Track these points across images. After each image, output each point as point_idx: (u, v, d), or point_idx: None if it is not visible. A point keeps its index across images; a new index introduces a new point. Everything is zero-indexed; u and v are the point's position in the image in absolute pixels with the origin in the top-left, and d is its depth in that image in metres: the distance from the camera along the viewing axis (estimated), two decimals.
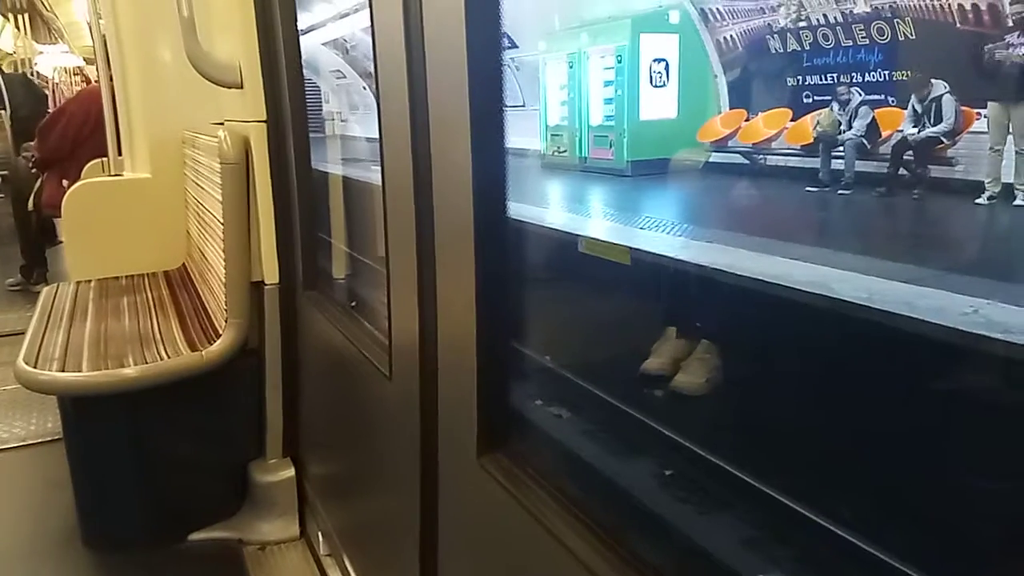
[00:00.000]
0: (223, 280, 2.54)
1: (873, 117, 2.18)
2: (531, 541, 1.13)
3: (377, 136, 1.63)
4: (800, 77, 2.35)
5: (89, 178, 3.87)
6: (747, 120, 2.63)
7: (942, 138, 1.88)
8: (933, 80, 1.90)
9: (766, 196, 2.57)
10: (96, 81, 5.59)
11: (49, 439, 3.43)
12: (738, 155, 2.58)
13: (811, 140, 2.31)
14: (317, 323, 2.36)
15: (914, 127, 1.95)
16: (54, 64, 15.34)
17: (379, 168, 1.64)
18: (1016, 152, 1.66)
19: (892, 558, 1.25)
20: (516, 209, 1.31)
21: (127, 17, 3.33)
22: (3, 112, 7.86)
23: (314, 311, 2.38)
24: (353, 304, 2.51)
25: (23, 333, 2.80)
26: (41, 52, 14.82)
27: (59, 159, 5.29)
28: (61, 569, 2.61)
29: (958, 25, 1.82)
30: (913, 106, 1.94)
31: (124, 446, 2.60)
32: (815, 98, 2.30)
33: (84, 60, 14.06)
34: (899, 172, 2.02)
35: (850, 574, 1.35)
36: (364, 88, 4.42)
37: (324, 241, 2.72)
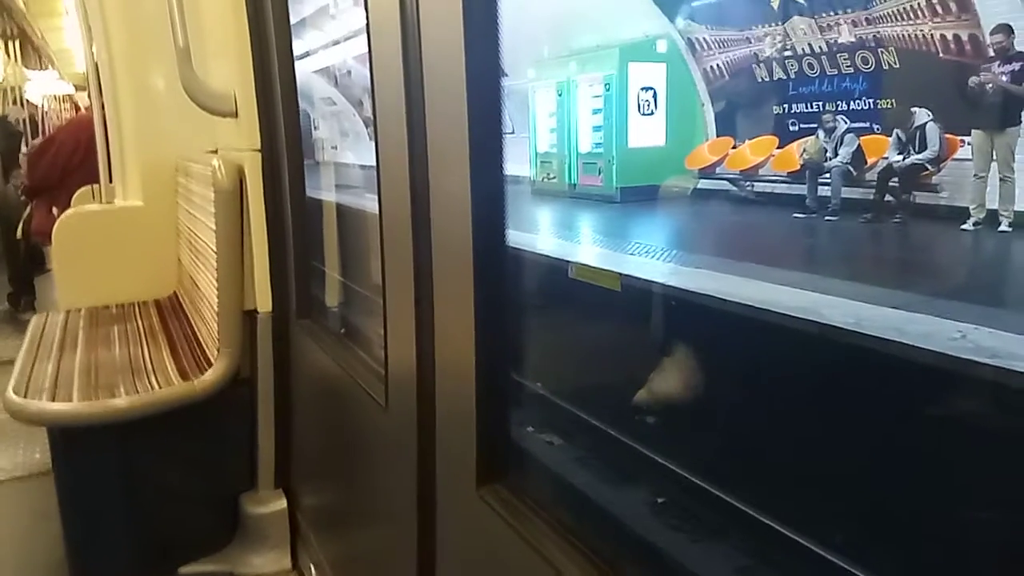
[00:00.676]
0: (215, 309, 2.53)
1: (858, 144, 2.22)
2: (532, 574, 1.12)
3: (373, 163, 1.62)
4: (786, 105, 2.39)
5: (79, 206, 3.85)
6: (734, 148, 2.67)
7: (927, 165, 1.91)
8: (917, 108, 1.94)
9: (754, 222, 2.60)
10: (87, 108, 5.59)
11: (37, 472, 3.38)
12: (726, 182, 2.62)
13: (797, 167, 2.35)
14: (311, 352, 2.34)
15: (899, 154, 1.98)
16: (44, 91, 15.34)
17: (373, 195, 1.63)
18: (1000, 179, 1.69)
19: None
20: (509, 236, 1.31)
21: (120, 44, 3.33)
22: None
23: (308, 340, 2.36)
24: (344, 331, 2.50)
25: (11, 362, 2.76)
26: (30, 79, 14.83)
27: (49, 187, 5.27)
28: None
29: (940, 55, 1.86)
30: (898, 134, 1.97)
31: (114, 477, 2.56)
32: (801, 126, 2.34)
33: (75, 87, 14.08)
34: (885, 199, 2.05)
35: None
36: (354, 115, 4.43)
37: (318, 270, 2.71)
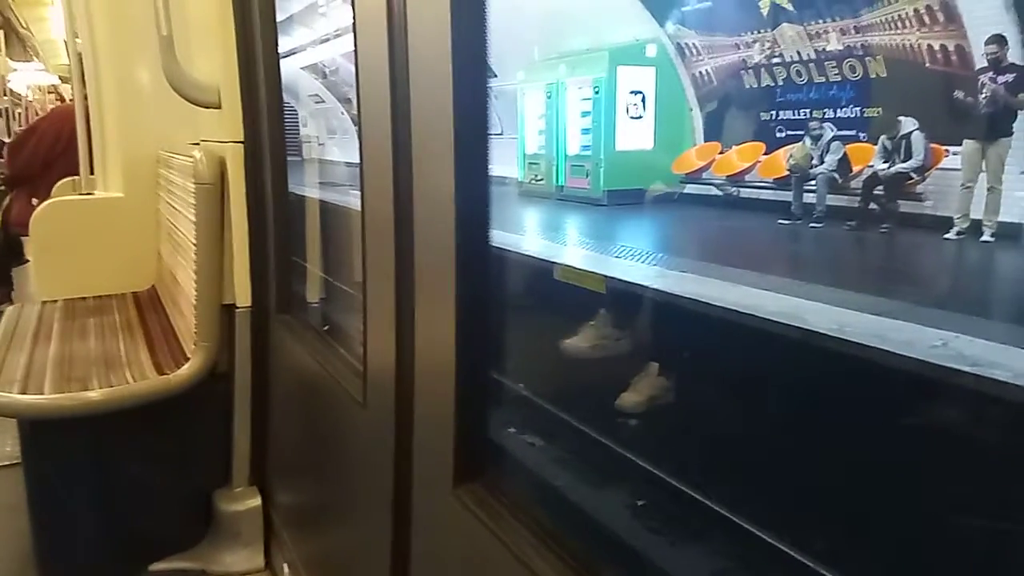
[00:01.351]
0: (194, 302, 2.49)
1: (844, 152, 2.23)
2: None
3: (357, 161, 1.61)
4: (774, 112, 2.40)
5: (59, 196, 3.80)
6: (721, 153, 2.68)
7: (912, 174, 1.92)
8: (903, 117, 1.95)
9: (739, 228, 2.62)
10: (70, 100, 5.53)
11: (6, 463, 3.32)
12: (712, 187, 2.62)
13: (784, 174, 2.36)
14: (289, 348, 2.32)
15: (884, 163, 1.99)
16: (28, 82, 15.20)
17: (358, 192, 1.62)
18: (988, 189, 1.70)
19: None
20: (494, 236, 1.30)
21: (104, 35, 3.29)
22: None
23: (286, 335, 2.34)
24: (324, 327, 2.47)
25: None
26: (15, 69, 14.68)
27: (29, 177, 5.20)
28: None
29: (927, 65, 1.87)
30: (883, 142, 1.98)
31: (85, 472, 2.52)
32: (788, 133, 2.34)
33: (60, 78, 13.95)
34: (870, 206, 2.06)
35: None
36: (343, 113, 4.42)
37: (299, 265, 2.68)
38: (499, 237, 1.28)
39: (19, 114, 14.03)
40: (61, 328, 2.94)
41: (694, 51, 2.68)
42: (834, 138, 2.29)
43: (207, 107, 2.47)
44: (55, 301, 3.27)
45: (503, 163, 3.43)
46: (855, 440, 1.51)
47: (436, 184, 1.24)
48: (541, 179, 3.65)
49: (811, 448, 1.58)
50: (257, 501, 2.65)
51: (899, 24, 1.92)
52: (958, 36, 1.78)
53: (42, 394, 2.35)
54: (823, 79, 2.22)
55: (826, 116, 2.26)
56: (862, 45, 2.08)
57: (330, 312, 2.60)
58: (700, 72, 2.68)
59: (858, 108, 2.19)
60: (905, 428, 1.46)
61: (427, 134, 1.27)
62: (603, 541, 1.60)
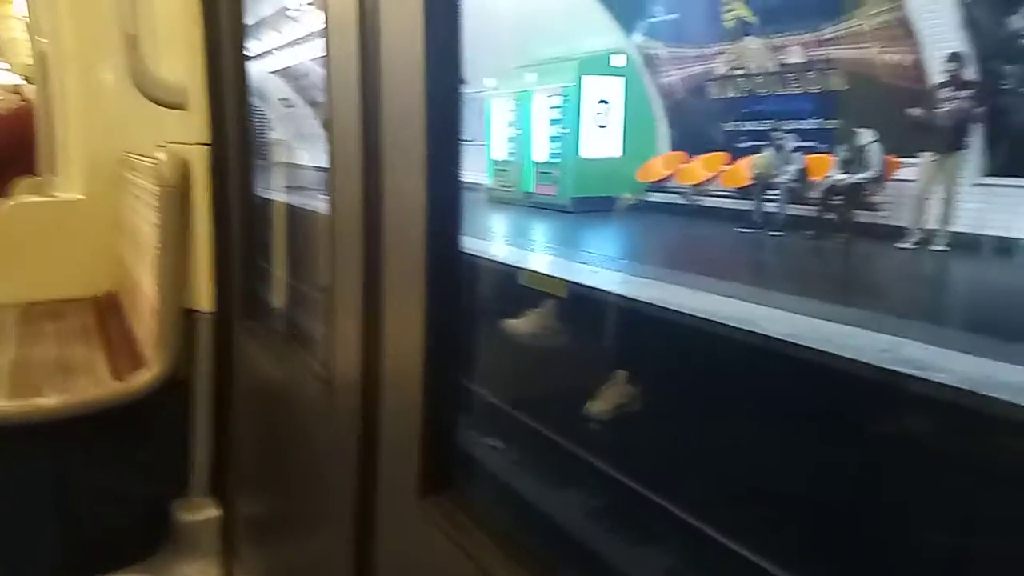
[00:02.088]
0: (154, 306, 2.44)
1: (804, 163, 2.27)
2: None
3: (326, 165, 1.58)
4: (738, 123, 2.43)
5: (18, 197, 3.71)
6: (686, 162, 2.70)
7: (868, 184, 1.96)
8: (861, 129, 2.00)
9: (702, 236, 2.66)
10: (27, 100, 5.42)
11: None
12: (677, 195, 2.65)
13: (746, 183, 2.40)
14: (253, 354, 2.27)
15: (842, 173, 2.03)
16: None
17: (326, 196, 1.59)
18: (943, 199, 1.73)
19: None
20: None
21: (68, 34, 3.24)
22: None
23: (250, 341, 2.29)
24: (290, 333, 2.43)
25: None
26: None
27: None
28: None
29: (885, 78, 1.91)
30: (842, 153, 2.03)
31: (40, 480, 2.44)
32: (751, 143, 2.39)
33: (24, 79, 13.68)
34: (827, 216, 2.10)
35: None
36: (314, 118, 4.39)
37: (265, 269, 2.64)
38: (466, 242, 1.27)
39: None
40: (17, 333, 2.87)
41: (661, 62, 2.71)
42: (796, 148, 2.33)
43: (173, 108, 2.43)
44: (11, 305, 3.19)
45: (472, 169, 3.42)
46: (801, 440, 1.54)
47: (407, 189, 1.22)
48: (510, 186, 3.67)
49: (758, 448, 1.60)
50: (216, 511, 2.59)
51: (858, 38, 1.96)
52: (914, 51, 1.82)
53: None
54: (786, 91, 2.25)
55: (788, 127, 2.29)
56: (823, 58, 2.13)
57: (296, 317, 2.56)
58: (667, 82, 2.73)
59: (819, 120, 2.22)
60: (850, 428, 1.48)
61: (398, 139, 1.25)
62: (571, 551, 1.58)
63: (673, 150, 2.80)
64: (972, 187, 1.71)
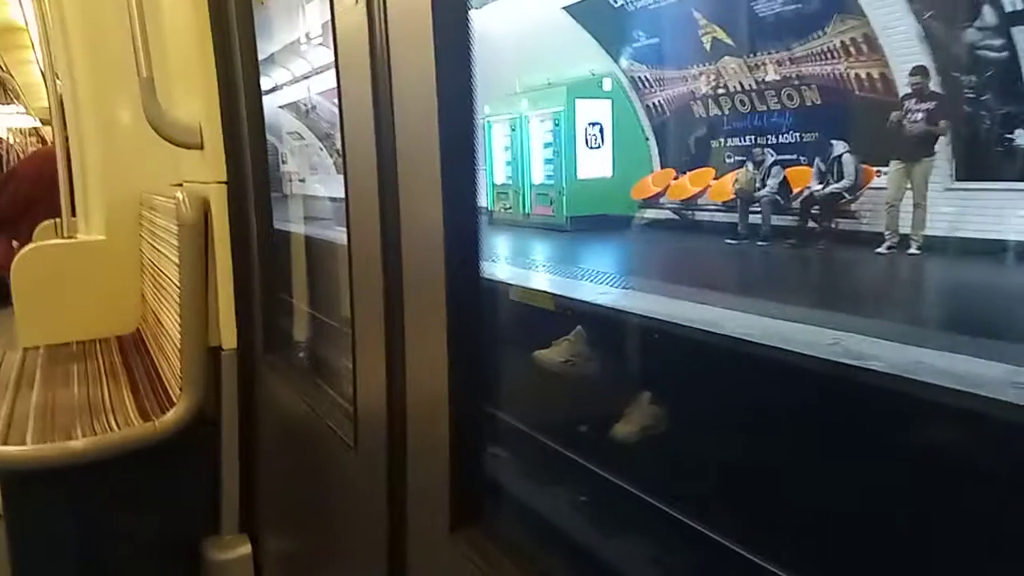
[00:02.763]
0: (178, 345, 2.45)
1: (784, 175, 2.31)
2: None
3: (337, 196, 1.59)
4: (721, 139, 2.50)
5: (41, 240, 3.75)
6: (675, 179, 2.77)
7: (844, 193, 2.01)
8: (834, 141, 2.04)
9: (689, 248, 2.76)
10: (50, 142, 5.50)
11: None
12: (668, 211, 2.71)
13: (731, 197, 2.46)
14: (277, 390, 2.27)
15: (819, 184, 2.07)
16: (9, 125, 15.16)
17: (342, 227, 1.59)
18: (914, 205, 1.75)
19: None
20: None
21: (85, 76, 3.28)
22: None
23: (274, 377, 2.29)
24: (314, 367, 2.43)
25: None
26: None
27: (10, 220, 5.16)
28: None
29: (856, 92, 1.95)
30: (818, 165, 2.07)
31: (69, 523, 2.45)
32: (736, 158, 2.44)
33: (41, 121, 13.91)
34: (808, 225, 2.14)
35: None
36: (321, 150, 4.47)
37: (285, 302, 2.64)
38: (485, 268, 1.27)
39: None
40: (44, 375, 2.88)
41: (647, 84, 2.85)
42: (775, 162, 2.39)
43: (189, 148, 2.45)
44: (37, 348, 3.21)
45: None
46: (756, 426, 1.62)
47: (424, 217, 1.21)
48: (510, 207, 3.73)
49: (723, 438, 1.68)
50: (247, 549, 2.57)
51: (829, 55, 2.03)
52: (881, 65, 1.88)
53: (24, 444, 2.29)
54: (764, 107, 2.35)
55: (769, 142, 2.40)
56: (797, 75, 2.23)
57: (319, 351, 2.56)
58: (654, 103, 2.84)
59: (797, 133, 2.29)
60: (796, 411, 1.56)
61: (413, 167, 1.25)
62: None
63: (663, 168, 2.86)
64: (946, 192, 1.75)
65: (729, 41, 2.33)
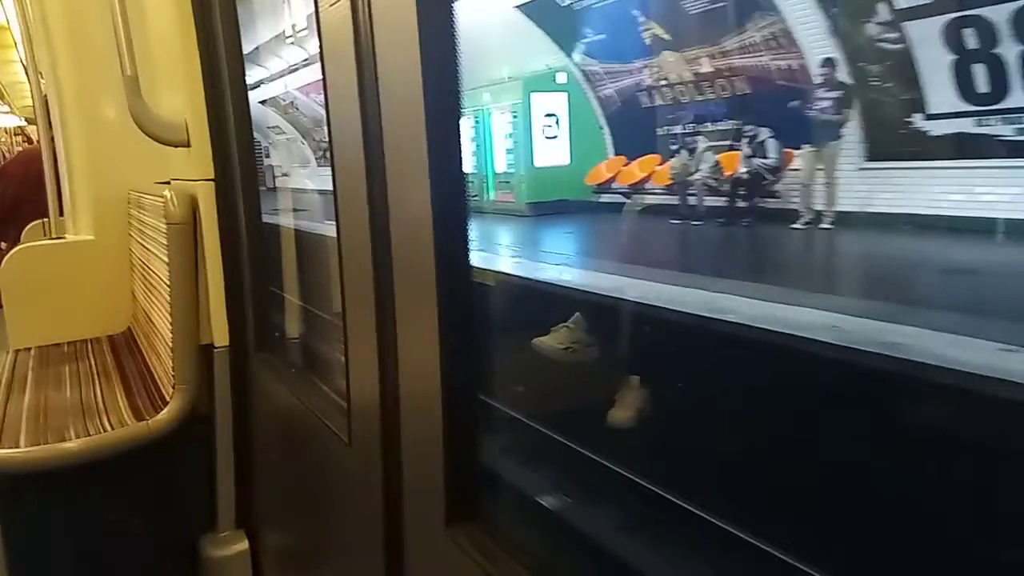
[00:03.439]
0: (170, 344, 2.43)
1: (716, 160, 2.45)
2: None
3: (318, 188, 1.58)
4: (665, 127, 2.65)
5: (29, 240, 3.73)
6: (625, 165, 2.91)
7: (767, 175, 2.13)
8: (760, 128, 2.15)
9: (635, 230, 2.93)
10: (37, 141, 5.47)
11: None
12: (620, 195, 2.88)
13: (670, 182, 2.61)
14: (270, 386, 2.26)
15: (746, 167, 2.20)
16: None
17: (327, 219, 1.59)
18: (825, 184, 2.03)
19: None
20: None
21: (69, 75, 3.25)
22: None
23: (267, 373, 2.28)
24: (307, 363, 2.42)
25: None
26: None
27: None
28: None
29: (778, 82, 2.07)
30: (745, 149, 2.20)
31: (64, 524, 2.44)
32: (677, 145, 2.58)
33: (26, 120, 13.82)
34: (737, 205, 2.27)
35: None
36: (302, 143, 4.56)
37: (276, 297, 2.63)
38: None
39: None
40: (36, 377, 2.87)
41: (598, 77, 3.03)
42: (706, 148, 2.57)
43: (176, 145, 2.43)
44: (28, 349, 3.19)
45: None
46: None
47: (412, 208, 1.20)
48: (475, 195, 3.88)
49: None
50: (244, 545, 2.57)
51: (753, 49, 2.17)
52: (798, 57, 2.02)
53: (17, 447, 2.28)
54: (701, 97, 2.50)
55: (706, 129, 2.58)
56: (728, 67, 2.39)
57: (311, 346, 2.55)
58: (605, 95, 3.06)
59: (729, 121, 2.48)
60: (678, 356, 1.80)
61: (401, 157, 1.24)
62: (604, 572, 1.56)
63: (616, 155, 3.03)
64: (859, 171, 1.97)
65: (667, 37, 2.48)
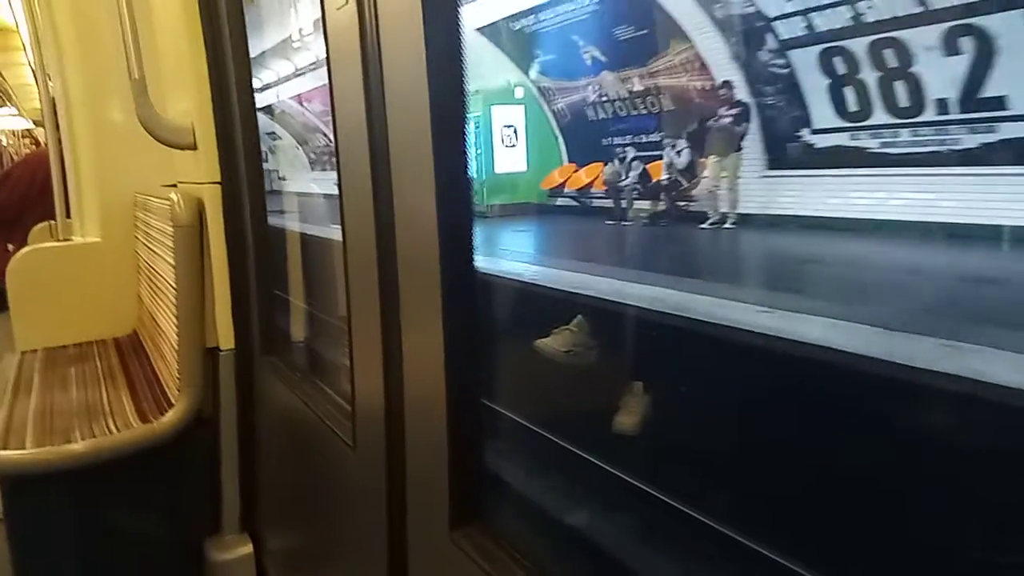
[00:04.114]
0: (175, 347, 2.44)
1: (644, 168, 2.85)
2: None
3: (314, 192, 1.58)
4: (608, 138, 3.06)
5: (36, 243, 3.74)
6: (575, 171, 3.32)
7: (682, 181, 2.51)
8: (679, 140, 2.53)
9: (576, 229, 3.39)
10: (45, 144, 5.49)
11: None
12: (570, 199, 3.36)
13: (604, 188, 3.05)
14: (275, 390, 2.26)
15: (666, 175, 2.59)
16: (1, 127, 15.13)
17: (322, 224, 1.59)
18: (728, 189, 2.30)
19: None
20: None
21: (76, 78, 3.26)
22: None
23: (272, 377, 2.28)
24: (312, 366, 2.42)
25: None
26: None
27: (4, 223, 5.14)
28: None
29: (696, 100, 2.47)
30: (665, 158, 2.58)
31: (70, 526, 2.44)
32: (615, 155, 2.92)
33: (34, 123, 13.87)
34: (658, 208, 2.68)
35: None
36: (297, 148, 4.71)
37: (282, 301, 2.63)
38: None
39: None
40: (42, 379, 2.87)
41: (551, 92, 3.39)
42: (635, 158, 2.88)
43: (182, 148, 2.44)
44: (35, 351, 3.20)
45: None
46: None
47: (418, 212, 1.20)
48: None
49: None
50: (249, 548, 2.58)
51: (674, 70, 2.51)
52: (709, 79, 2.36)
53: (24, 448, 2.28)
54: (635, 112, 2.86)
55: (639, 140, 2.88)
56: (655, 86, 2.69)
57: (316, 349, 2.55)
58: (558, 108, 3.38)
59: (658, 134, 2.81)
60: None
61: (406, 162, 1.24)
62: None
63: (568, 162, 3.45)
64: (761, 179, 2.23)
65: (604, 58, 2.92)
